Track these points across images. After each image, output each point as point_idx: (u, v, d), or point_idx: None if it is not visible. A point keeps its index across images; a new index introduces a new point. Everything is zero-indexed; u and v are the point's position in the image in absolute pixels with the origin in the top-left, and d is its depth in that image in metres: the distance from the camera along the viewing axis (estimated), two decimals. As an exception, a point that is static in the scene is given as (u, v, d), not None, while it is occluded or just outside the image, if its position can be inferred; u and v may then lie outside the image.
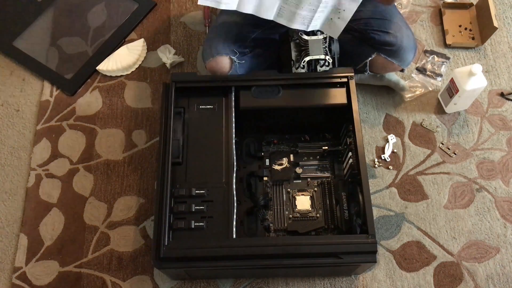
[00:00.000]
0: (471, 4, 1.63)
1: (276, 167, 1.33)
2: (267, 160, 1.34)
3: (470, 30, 1.60)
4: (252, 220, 1.26)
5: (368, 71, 1.38)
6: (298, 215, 1.26)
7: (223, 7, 1.13)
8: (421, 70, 1.54)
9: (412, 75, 1.54)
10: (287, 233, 1.24)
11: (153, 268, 1.30)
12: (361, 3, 1.13)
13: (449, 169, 1.42)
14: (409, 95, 1.50)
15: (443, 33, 1.60)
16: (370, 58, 1.33)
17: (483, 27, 1.57)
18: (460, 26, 1.61)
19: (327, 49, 1.26)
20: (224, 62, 1.28)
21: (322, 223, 1.24)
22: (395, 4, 1.41)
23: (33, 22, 1.65)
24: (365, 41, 1.33)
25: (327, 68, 1.26)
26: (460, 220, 1.35)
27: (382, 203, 1.37)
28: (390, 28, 1.28)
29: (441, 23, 1.62)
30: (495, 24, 1.50)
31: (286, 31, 1.31)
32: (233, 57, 1.28)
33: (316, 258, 1.07)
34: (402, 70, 1.40)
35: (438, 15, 1.64)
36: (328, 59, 1.24)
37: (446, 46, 1.59)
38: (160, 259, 1.05)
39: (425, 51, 1.57)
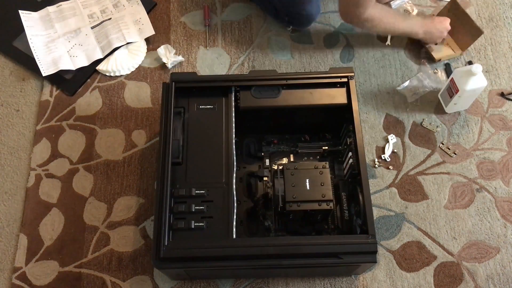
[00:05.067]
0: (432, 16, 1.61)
1: (276, 167, 1.33)
2: (267, 160, 1.34)
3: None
4: (252, 220, 1.26)
5: None
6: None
7: None
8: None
9: (418, 75, 1.55)
10: (287, 233, 1.24)
11: (153, 268, 1.30)
12: None
13: (449, 169, 1.42)
14: (412, 96, 1.51)
15: (427, 53, 1.57)
16: None
17: (462, 34, 1.54)
18: None
19: None
20: None
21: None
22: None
23: (33, 22, 1.65)
24: None
25: None
26: (460, 220, 1.35)
27: (382, 203, 1.37)
28: None
29: (422, 43, 1.57)
30: (480, 28, 1.48)
31: None
32: None
33: (316, 258, 1.07)
34: None
35: (413, 42, 1.59)
36: None
37: (436, 62, 1.56)
38: (160, 259, 1.05)
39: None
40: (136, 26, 1.62)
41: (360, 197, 1.12)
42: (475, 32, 1.49)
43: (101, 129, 1.49)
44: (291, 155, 1.35)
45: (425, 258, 1.31)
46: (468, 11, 1.52)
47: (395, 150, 1.44)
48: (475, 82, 1.35)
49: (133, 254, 1.32)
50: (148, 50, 1.61)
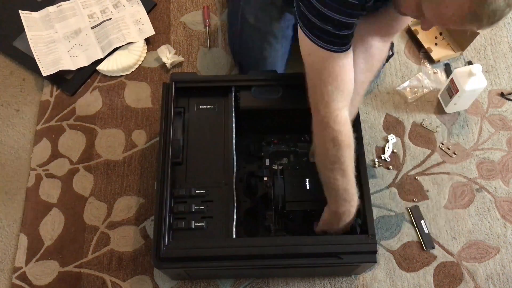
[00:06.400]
0: None
1: (276, 167, 1.33)
2: (267, 160, 1.33)
3: (443, 38, 1.58)
4: (252, 220, 1.26)
5: None
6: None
7: None
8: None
9: (418, 75, 1.55)
10: (287, 233, 1.24)
11: (153, 268, 1.30)
12: None
13: (449, 169, 1.42)
14: (412, 96, 1.51)
15: (426, 53, 1.57)
16: None
17: (458, 35, 1.55)
18: (436, 37, 1.59)
19: None
20: None
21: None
22: None
23: (33, 22, 1.65)
24: None
25: None
26: (460, 220, 1.35)
27: (382, 203, 1.37)
28: None
29: (422, 46, 1.58)
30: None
31: None
32: None
33: (316, 258, 1.07)
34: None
35: (412, 42, 1.60)
36: None
37: (435, 62, 1.56)
38: (160, 259, 1.05)
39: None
40: (136, 26, 1.62)
41: (360, 197, 1.12)
42: (471, 32, 1.49)
43: (101, 129, 1.49)
44: (291, 155, 1.35)
45: (425, 258, 1.31)
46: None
47: (395, 150, 1.44)
48: (475, 82, 1.36)
49: (133, 254, 1.32)
50: (148, 50, 1.61)
